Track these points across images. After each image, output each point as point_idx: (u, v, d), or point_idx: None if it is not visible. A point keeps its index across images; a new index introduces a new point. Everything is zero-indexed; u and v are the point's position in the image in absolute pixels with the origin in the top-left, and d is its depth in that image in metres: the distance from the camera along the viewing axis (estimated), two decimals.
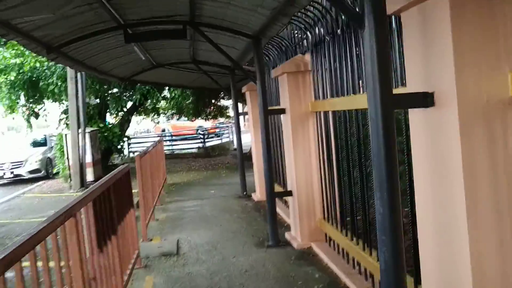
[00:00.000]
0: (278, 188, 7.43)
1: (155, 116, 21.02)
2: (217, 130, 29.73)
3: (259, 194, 9.11)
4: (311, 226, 5.69)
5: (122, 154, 16.65)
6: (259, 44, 6.03)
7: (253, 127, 9.07)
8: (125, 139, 16.22)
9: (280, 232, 6.22)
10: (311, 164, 5.69)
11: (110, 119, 17.33)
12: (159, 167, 10.27)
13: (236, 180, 11.75)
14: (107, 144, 15.30)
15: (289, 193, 5.95)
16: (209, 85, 13.45)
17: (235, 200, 9.29)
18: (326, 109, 5.07)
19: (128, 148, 20.53)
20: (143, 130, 43.03)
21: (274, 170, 7.68)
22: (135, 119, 21.79)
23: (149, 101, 15.91)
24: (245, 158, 17.00)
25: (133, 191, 5.40)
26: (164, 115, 23.79)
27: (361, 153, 4.23)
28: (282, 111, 5.89)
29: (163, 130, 36.15)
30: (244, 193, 9.69)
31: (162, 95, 16.92)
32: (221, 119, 28.11)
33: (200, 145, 21.69)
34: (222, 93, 20.14)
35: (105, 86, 15.31)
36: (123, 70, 9.95)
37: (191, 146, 22.63)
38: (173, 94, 16.28)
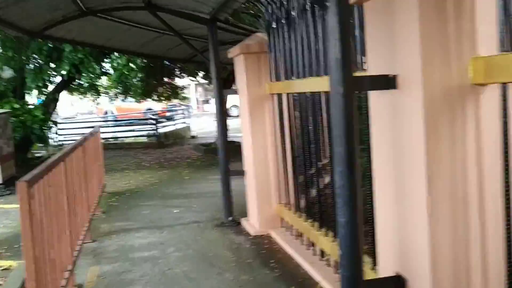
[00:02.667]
0: None
1: (94, 96, 16.85)
2: (167, 113, 25.82)
3: (257, 220, 5.60)
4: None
5: (47, 145, 12.53)
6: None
7: (249, 113, 5.51)
8: (51, 124, 12.11)
9: None
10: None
11: (32, 98, 13.15)
12: (92, 173, 6.51)
13: (208, 187, 8.18)
14: (25, 132, 11.25)
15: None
16: (168, 53, 9.65)
17: (216, 233, 5.69)
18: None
19: (57, 136, 16.34)
20: (86, 112, 38.24)
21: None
22: (68, 99, 17.56)
23: (83, 75, 11.81)
24: (209, 152, 13.43)
25: None
26: (106, 95, 19.58)
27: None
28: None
29: (106, 113, 31.70)
30: (230, 218, 6.11)
31: (101, 69, 12.88)
32: (175, 101, 24.28)
33: (151, 132, 17.78)
34: (177, 69, 16.40)
35: (28, 53, 11.17)
36: (32, 19, 6.08)
37: (140, 132, 18.69)
38: (115, 64, 12.23)
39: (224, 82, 13.59)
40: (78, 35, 7.37)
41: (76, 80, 13.00)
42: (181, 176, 9.91)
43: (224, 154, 6.15)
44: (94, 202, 6.34)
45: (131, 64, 13.60)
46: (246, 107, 5.52)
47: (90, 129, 7.80)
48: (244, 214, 6.05)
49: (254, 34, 5.87)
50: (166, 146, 15.93)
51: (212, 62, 6.00)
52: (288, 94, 4.89)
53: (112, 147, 15.52)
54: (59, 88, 12.73)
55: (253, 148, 5.53)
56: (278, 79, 5.02)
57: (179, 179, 9.50)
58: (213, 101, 34.47)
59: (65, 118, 36.70)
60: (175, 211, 6.83)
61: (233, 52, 5.69)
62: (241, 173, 6.04)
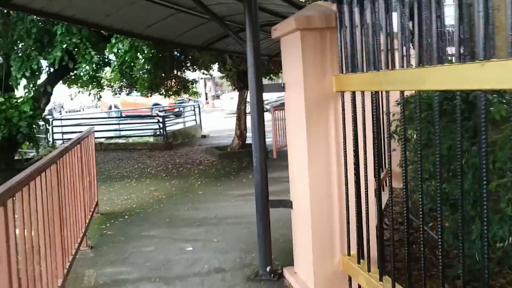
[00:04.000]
0: None
1: (96, 89, 15.06)
2: (176, 109, 24.03)
3: (310, 276, 3.76)
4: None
5: (37, 145, 10.74)
6: None
7: (305, 118, 3.64)
8: (41, 122, 10.31)
9: None
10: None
11: (20, 91, 11.35)
12: (79, 194, 4.71)
13: (229, 207, 6.50)
14: (9, 130, 9.51)
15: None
16: (181, 38, 7.79)
17: None
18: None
19: (52, 134, 14.58)
20: (91, 105, 36.42)
21: None
22: (64, 91, 15.79)
23: (79, 64, 9.97)
24: (225, 157, 11.56)
25: None
26: (109, 88, 17.76)
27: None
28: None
29: (110, 108, 29.91)
30: (268, 268, 4.26)
31: (100, 57, 11.08)
32: (184, 96, 22.47)
33: (158, 130, 15.99)
34: (188, 61, 14.59)
35: (15, 36, 9.39)
36: None
37: (146, 131, 16.92)
38: (115, 50, 10.32)
39: (242, 79, 11.79)
40: (65, 8, 5.55)
41: (73, 70, 11.16)
42: (193, 189, 8.09)
43: (263, 177, 4.30)
44: (78, 235, 4.55)
45: (137, 54, 11.78)
46: (301, 110, 3.69)
47: (81, 133, 5.95)
48: (287, 259, 4.25)
49: (314, 3, 3.98)
50: (175, 147, 14.15)
51: (249, 43, 4.16)
52: (376, 92, 3.08)
53: (114, 148, 13.77)
54: (52, 79, 10.92)
55: (309, 170, 3.66)
56: (354, 69, 3.25)
57: (191, 194, 7.68)
58: (224, 97, 32.82)
59: (69, 112, 35.20)
60: (188, 248, 5.00)
61: (283, 28, 3.86)
62: (285, 204, 4.21)
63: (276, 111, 11.45)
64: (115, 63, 12.21)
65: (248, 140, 13.37)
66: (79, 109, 38.59)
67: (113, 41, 10.11)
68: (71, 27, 8.83)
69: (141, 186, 8.48)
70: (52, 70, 10.66)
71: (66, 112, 36.03)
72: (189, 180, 8.89)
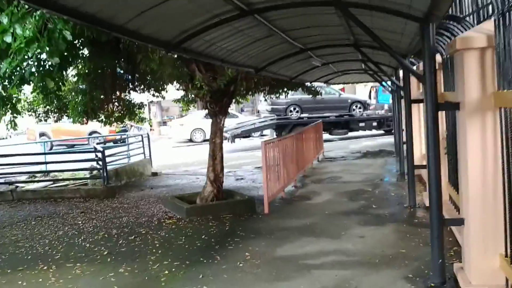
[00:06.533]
0: None
1: (10, 114, 11.08)
2: (117, 137, 20.16)
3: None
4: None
5: None
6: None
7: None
8: None
9: None
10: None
11: None
12: None
13: None
14: None
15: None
16: (136, 24, 4.40)
17: None
18: None
19: None
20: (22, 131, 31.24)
21: None
22: None
23: None
24: (196, 213, 7.79)
25: None
26: (32, 112, 13.65)
27: None
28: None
29: (42, 135, 25.38)
30: None
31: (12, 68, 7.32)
32: (128, 123, 18.67)
33: (96, 167, 12.14)
34: (134, 80, 11.04)
35: None
36: None
37: (80, 164, 13.01)
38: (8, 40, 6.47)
39: (221, 96, 8.44)
40: None
41: None
42: None
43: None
44: None
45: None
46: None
47: None
48: None
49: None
50: (119, 192, 10.48)
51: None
52: None
53: (32, 197, 9.91)
54: None
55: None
56: None
57: None
58: (173, 123, 28.99)
59: None
60: None
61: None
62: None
63: (268, 145, 8.16)
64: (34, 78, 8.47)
65: (230, 184, 10.13)
66: (5, 136, 33.15)
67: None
68: None
69: (65, 286, 4.86)
70: None
71: None
72: (147, 267, 5.35)
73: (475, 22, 4.68)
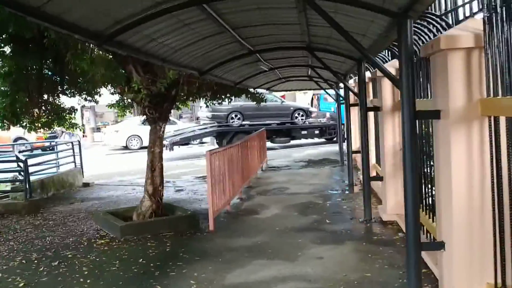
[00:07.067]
0: None
1: None
2: (46, 144, 18.70)
3: None
4: None
5: None
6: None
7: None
8: None
9: None
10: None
11: None
12: None
13: None
14: None
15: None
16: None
17: None
18: None
19: None
20: None
21: None
22: None
23: None
24: (132, 231, 6.76)
25: None
26: None
27: None
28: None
29: None
30: None
31: None
32: (57, 129, 17.28)
33: (18, 178, 10.89)
34: (64, 83, 10.00)
35: None
36: None
37: (0, 175, 11.69)
38: None
39: (161, 100, 7.64)
40: None
41: None
42: None
43: None
44: None
45: None
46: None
47: None
48: None
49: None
50: (43, 206, 9.38)
51: None
52: None
53: None
54: None
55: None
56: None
57: None
58: (107, 129, 27.47)
59: None
60: None
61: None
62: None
63: (214, 154, 7.44)
64: None
65: (170, 196, 9.13)
66: None
67: None
68: None
69: None
70: None
71: None
72: None
73: (454, 21, 4.24)
